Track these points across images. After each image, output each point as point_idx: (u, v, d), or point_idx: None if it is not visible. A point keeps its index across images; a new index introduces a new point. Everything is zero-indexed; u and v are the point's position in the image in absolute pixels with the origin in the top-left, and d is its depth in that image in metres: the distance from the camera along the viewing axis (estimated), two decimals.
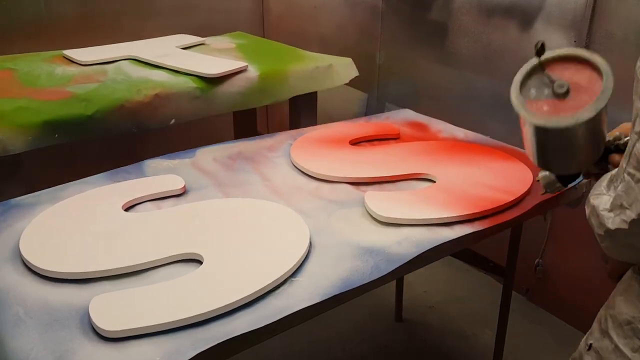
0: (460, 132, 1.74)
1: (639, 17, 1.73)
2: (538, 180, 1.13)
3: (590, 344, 0.93)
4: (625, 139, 0.98)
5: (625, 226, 0.77)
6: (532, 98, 0.94)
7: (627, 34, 1.78)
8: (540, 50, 0.93)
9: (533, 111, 0.93)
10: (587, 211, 0.85)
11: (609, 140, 1.00)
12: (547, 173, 1.10)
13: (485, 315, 2.24)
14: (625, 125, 1.03)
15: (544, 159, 1.00)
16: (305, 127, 1.81)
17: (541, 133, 0.93)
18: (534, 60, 0.94)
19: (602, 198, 0.82)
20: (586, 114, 0.88)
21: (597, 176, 1.01)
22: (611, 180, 0.83)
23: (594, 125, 0.91)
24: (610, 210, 0.80)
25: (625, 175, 0.77)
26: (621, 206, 0.78)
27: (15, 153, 1.62)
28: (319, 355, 2.07)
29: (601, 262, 1.01)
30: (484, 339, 2.13)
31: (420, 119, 1.86)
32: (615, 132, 1.01)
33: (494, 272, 1.79)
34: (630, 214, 0.76)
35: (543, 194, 1.15)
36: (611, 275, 0.99)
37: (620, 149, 0.99)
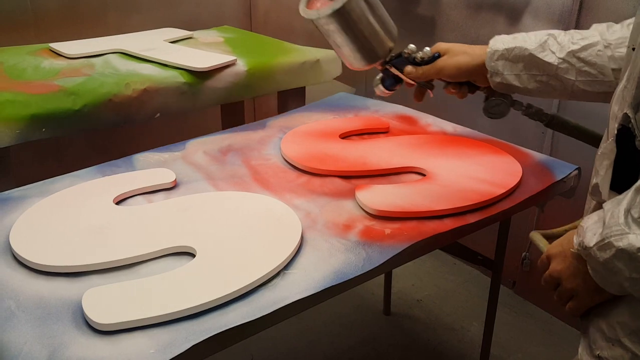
0: (449, 126, 1.74)
1: (626, 11, 1.75)
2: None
3: (598, 355, 0.86)
4: (420, 54, 1.20)
5: None
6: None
7: None
8: None
9: (309, 9, 1.12)
10: (605, 256, 0.76)
11: (407, 52, 1.20)
12: (379, 86, 1.27)
13: (473, 308, 2.26)
14: (439, 45, 1.22)
15: (351, 47, 1.16)
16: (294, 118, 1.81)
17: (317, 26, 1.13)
18: None
19: (629, 238, 0.73)
20: (324, 10, 1.08)
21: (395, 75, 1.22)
22: (627, 216, 0.74)
23: (345, 19, 1.10)
24: None
25: None
26: None
27: (2, 147, 1.60)
28: (307, 348, 2.08)
29: (560, 303, 0.94)
30: (471, 332, 2.16)
31: (409, 112, 1.86)
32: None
33: (483, 265, 1.80)
34: None
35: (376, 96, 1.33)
36: (577, 313, 0.92)
37: (416, 62, 1.19)
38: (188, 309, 0.92)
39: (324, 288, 1.01)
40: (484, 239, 1.75)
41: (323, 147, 1.55)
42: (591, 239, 0.78)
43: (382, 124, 1.72)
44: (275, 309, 0.96)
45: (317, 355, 2.06)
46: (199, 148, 1.55)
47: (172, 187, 1.34)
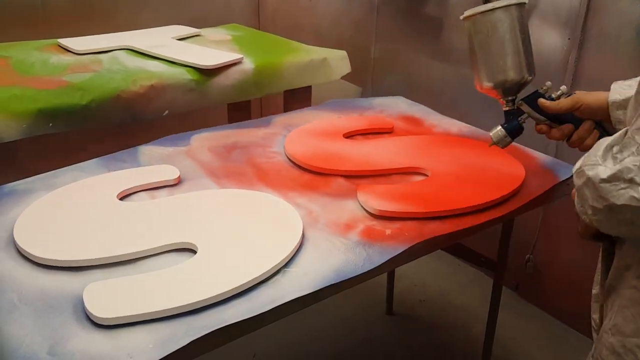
0: (455, 127, 1.74)
1: (633, 15, 1.75)
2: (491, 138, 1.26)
3: None
4: (558, 92, 1.17)
5: (635, 203, 0.75)
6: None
7: (620, 32, 1.79)
8: None
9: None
10: (579, 182, 0.82)
11: (543, 88, 1.17)
12: (497, 129, 1.23)
13: (476, 309, 2.26)
14: (579, 95, 1.16)
15: (480, 62, 1.18)
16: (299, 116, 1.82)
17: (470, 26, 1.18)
18: None
19: (598, 169, 0.79)
20: (499, 2, 1.11)
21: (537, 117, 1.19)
22: (607, 150, 0.80)
23: (519, 16, 1.13)
24: (610, 182, 0.77)
25: None
26: (631, 181, 0.75)
27: (9, 141, 1.62)
28: (309, 347, 2.08)
29: (576, 221, 0.96)
30: (474, 333, 2.15)
31: (414, 113, 1.86)
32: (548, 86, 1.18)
33: (485, 266, 1.80)
34: None
35: (491, 145, 1.26)
36: (583, 236, 0.96)
37: (551, 97, 1.16)
38: (188, 304, 0.93)
39: (323, 286, 1.02)
40: (488, 240, 1.75)
41: (327, 146, 1.56)
42: (576, 165, 0.84)
43: (386, 124, 1.72)
44: (274, 306, 0.96)
45: (319, 354, 2.06)
46: (204, 144, 1.56)
47: (176, 184, 1.35)
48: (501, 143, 1.24)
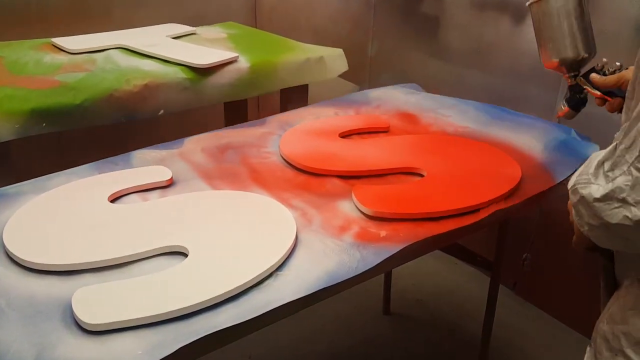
0: (450, 127, 1.73)
1: (631, 13, 1.73)
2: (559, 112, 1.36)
3: None
4: (612, 68, 1.22)
5: (629, 223, 0.75)
6: None
7: (619, 30, 1.78)
8: None
9: None
10: (574, 199, 0.83)
11: (598, 65, 1.24)
12: (562, 103, 1.33)
13: (473, 308, 2.25)
14: (626, 71, 1.21)
15: (541, 42, 1.29)
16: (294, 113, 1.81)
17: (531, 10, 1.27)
18: None
19: (591, 187, 0.79)
20: None
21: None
22: (599, 167, 0.80)
23: (562, 11, 1.23)
24: (603, 202, 0.78)
25: (633, 169, 0.75)
26: (624, 201, 0.75)
27: (2, 141, 1.60)
28: (305, 348, 2.07)
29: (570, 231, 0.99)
30: (471, 332, 2.14)
31: (410, 110, 1.84)
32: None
33: (482, 266, 1.79)
34: (637, 213, 0.74)
35: (557, 117, 1.43)
36: (575, 247, 0.97)
37: (604, 73, 1.22)
38: (178, 310, 0.92)
39: (316, 290, 1.01)
40: (485, 239, 1.74)
41: (322, 146, 1.54)
42: (571, 181, 0.85)
43: (382, 123, 1.71)
44: (265, 311, 0.95)
45: (316, 355, 2.05)
46: (197, 145, 1.54)
47: (168, 185, 1.34)
48: (566, 116, 1.33)
